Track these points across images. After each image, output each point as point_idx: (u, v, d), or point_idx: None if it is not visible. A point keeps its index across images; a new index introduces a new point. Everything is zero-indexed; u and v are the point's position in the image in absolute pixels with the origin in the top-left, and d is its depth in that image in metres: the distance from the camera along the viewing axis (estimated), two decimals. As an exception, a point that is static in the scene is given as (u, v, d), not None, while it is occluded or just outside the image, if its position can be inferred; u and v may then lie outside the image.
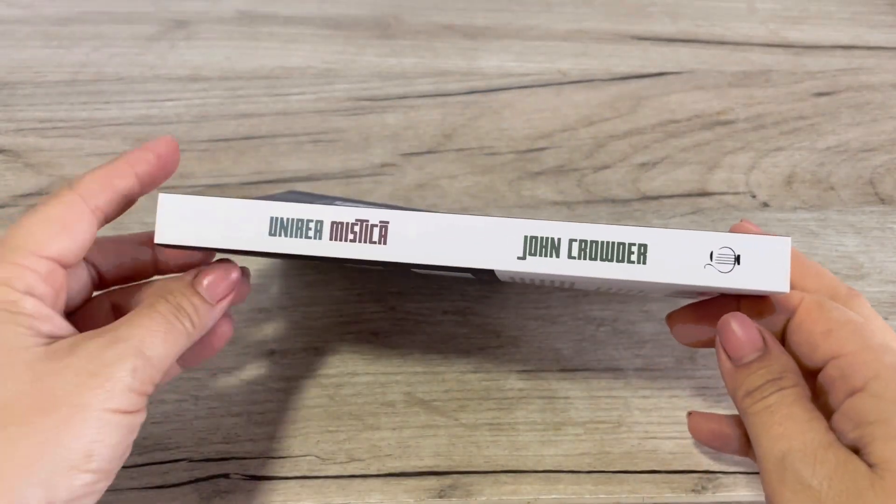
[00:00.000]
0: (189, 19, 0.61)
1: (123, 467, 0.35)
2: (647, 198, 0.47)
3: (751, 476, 0.36)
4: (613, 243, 0.26)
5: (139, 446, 0.35)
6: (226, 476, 0.35)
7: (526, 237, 0.27)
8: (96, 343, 0.25)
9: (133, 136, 0.51)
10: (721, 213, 0.46)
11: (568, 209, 0.47)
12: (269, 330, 0.40)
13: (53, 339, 0.25)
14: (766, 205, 0.46)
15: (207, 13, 0.62)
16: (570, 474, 0.35)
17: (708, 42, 0.59)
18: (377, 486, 0.34)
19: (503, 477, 0.34)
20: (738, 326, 0.26)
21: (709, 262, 0.26)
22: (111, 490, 0.34)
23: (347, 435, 0.36)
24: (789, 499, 0.23)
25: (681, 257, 0.26)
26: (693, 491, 0.36)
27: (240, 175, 0.48)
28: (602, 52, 0.58)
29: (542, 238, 0.27)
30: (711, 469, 0.36)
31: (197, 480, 0.35)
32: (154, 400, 0.37)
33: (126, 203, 0.30)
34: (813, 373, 0.27)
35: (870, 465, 0.22)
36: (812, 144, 0.50)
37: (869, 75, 0.56)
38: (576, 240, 0.27)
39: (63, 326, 0.26)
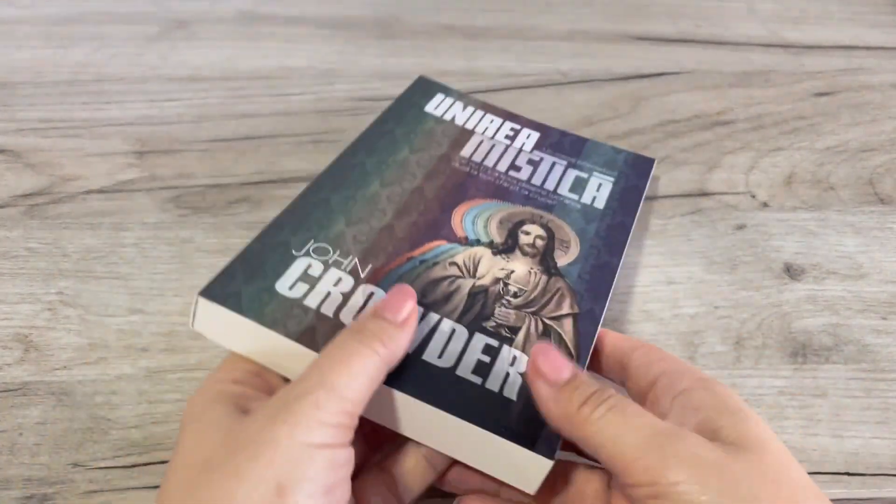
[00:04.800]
0: (189, 19, 0.61)
1: (123, 467, 0.35)
2: (647, 198, 0.47)
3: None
4: None
5: (139, 446, 0.35)
6: (226, 476, 0.35)
7: None
8: (285, 387, 0.26)
9: (134, 136, 0.51)
10: (721, 213, 0.46)
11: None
12: (270, 330, 0.40)
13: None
14: (765, 205, 0.46)
15: (208, 13, 0.62)
16: (570, 474, 0.35)
17: (708, 42, 0.59)
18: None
19: (503, 476, 0.34)
20: (547, 353, 0.28)
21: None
22: (112, 490, 0.34)
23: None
24: (672, 467, 0.24)
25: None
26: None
27: (240, 175, 0.48)
28: (602, 52, 0.58)
29: None
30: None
31: (197, 480, 0.35)
32: (154, 400, 0.37)
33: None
34: (642, 396, 0.31)
35: (726, 442, 0.25)
36: (812, 144, 0.50)
37: (868, 75, 0.56)
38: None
39: (265, 398, 0.28)
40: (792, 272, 0.43)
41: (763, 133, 0.51)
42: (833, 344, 0.39)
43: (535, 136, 0.47)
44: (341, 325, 0.31)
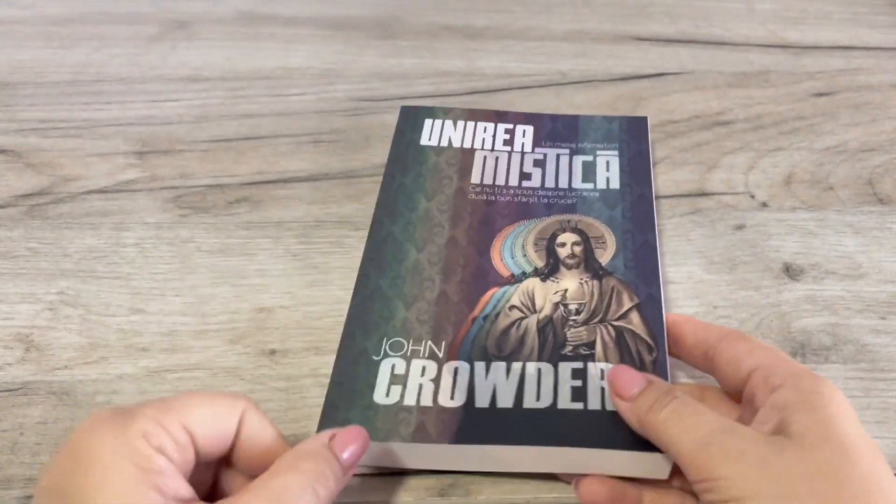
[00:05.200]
0: (190, 20, 0.61)
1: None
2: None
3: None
4: None
5: (140, 445, 0.36)
6: (227, 475, 0.35)
7: None
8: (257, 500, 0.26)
9: (134, 137, 0.51)
10: (720, 213, 0.46)
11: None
12: (270, 329, 0.40)
13: (179, 501, 0.25)
14: (764, 205, 0.46)
15: (208, 14, 0.62)
16: (569, 473, 0.35)
17: (707, 43, 0.59)
18: (377, 485, 0.34)
19: (503, 476, 0.34)
20: (621, 372, 0.32)
21: None
22: (112, 489, 0.34)
23: (348, 434, 0.36)
24: (720, 463, 0.26)
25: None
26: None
27: (241, 175, 0.48)
28: (601, 52, 0.58)
29: None
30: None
31: (198, 479, 0.35)
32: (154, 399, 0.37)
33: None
34: (736, 392, 0.32)
35: (788, 436, 0.26)
36: (811, 144, 0.50)
37: (868, 76, 0.56)
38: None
39: (187, 490, 0.26)
40: (791, 272, 0.43)
41: (762, 133, 0.51)
42: (832, 344, 0.39)
43: (530, 130, 0.47)
44: (443, 409, 0.34)
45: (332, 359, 0.36)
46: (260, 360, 0.39)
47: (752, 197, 0.47)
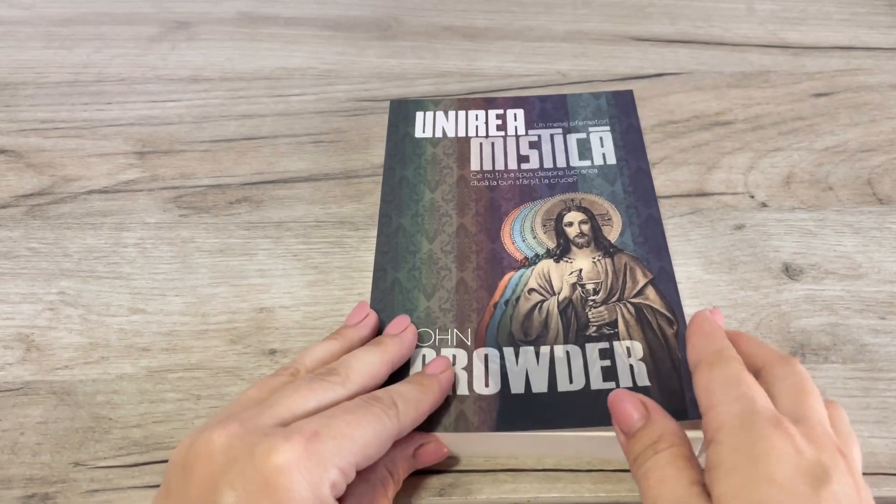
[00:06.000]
0: (190, 20, 0.61)
1: (124, 466, 0.35)
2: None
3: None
4: None
5: (140, 445, 0.36)
6: (227, 475, 0.35)
7: None
8: None
9: (135, 137, 0.51)
10: (720, 214, 0.46)
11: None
12: (270, 329, 0.40)
13: None
14: (764, 205, 0.46)
15: (208, 14, 0.62)
16: (569, 473, 0.35)
17: (707, 43, 0.59)
18: (377, 484, 0.34)
19: (503, 476, 0.34)
20: (622, 401, 0.30)
21: None
22: (112, 489, 0.34)
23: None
24: None
25: None
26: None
27: (241, 175, 0.48)
28: (601, 53, 0.58)
29: None
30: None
31: (198, 479, 0.35)
32: (155, 399, 0.37)
33: None
34: None
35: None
36: (810, 145, 0.50)
37: (867, 76, 0.56)
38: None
39: None
40: (790, 272, 0.43)
41: (762, 133, 0.51)
42: (831, 343, 0.39)
43: (520, 113, 0.48)
44: (480, 397, 0.34)
45: (332, 358, 0.36)
46: (260, 360, 0.39)
47: (752, 197, 0.47)
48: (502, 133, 0.46)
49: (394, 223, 0.42)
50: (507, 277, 0.39)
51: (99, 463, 0.35)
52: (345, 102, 0.54)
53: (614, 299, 0.38)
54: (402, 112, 0.49)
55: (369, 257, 0.41)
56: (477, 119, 0.48)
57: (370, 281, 0.39)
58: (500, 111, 0.48)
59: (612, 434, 0.32)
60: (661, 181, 0.48)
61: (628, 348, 0.35)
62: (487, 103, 0.49)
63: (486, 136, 0.46)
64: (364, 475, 0.30)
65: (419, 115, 0.48)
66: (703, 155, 0.50)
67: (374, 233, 0.42)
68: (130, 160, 0.49)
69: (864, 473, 0.34)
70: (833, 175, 0.48)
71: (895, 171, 0.49)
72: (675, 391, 0.34)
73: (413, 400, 0.32)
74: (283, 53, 0.58)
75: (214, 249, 0.44)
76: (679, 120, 0.52)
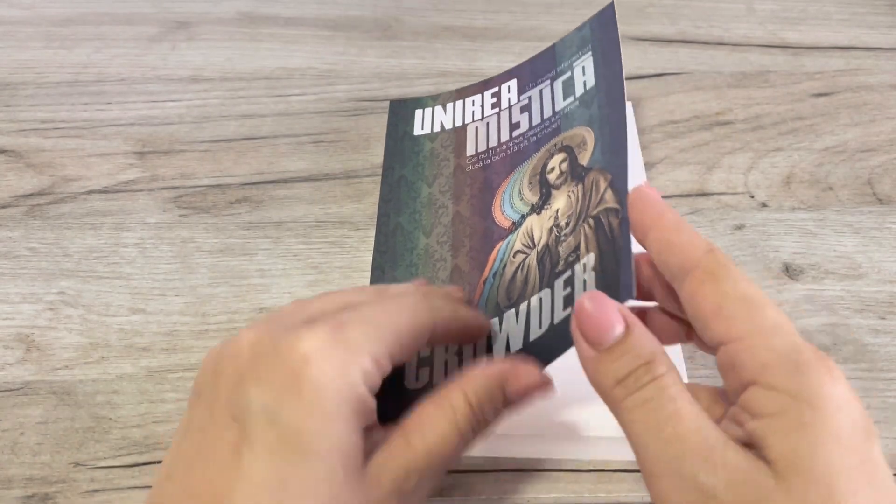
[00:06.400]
0: (190, 20, 0.61)
1: (124, 466, 0.35)
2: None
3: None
4: None
5: (140, 445, 0.36)
6: (227, 475, 0.35)
7: None
8: (395, 465, 0.25)
9: (135, 137, 0.51)
10: (720, 214, 0.46)
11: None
12: (270, 329, 0.40)
13: (366, 431, 0.25)
14: (764, 205, 0.46)
15: (208, 14, 0.62)
16: (569, 473, 0.35)
17: (707, 43, 0.59)
18: (377, 484, 0.34)
19: (503, 475, 0.34)
20: (593, 306, 0.24)
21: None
22: (112, 489, 0.34)
23: (348, 434, 0.37)
24: (683, 491, 0.21)
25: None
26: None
27: (241, 175, 0.48)
28: (601, 52, 0.58)
29: None
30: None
31: (198, 479, 0.35)
32: (155, 399, 0.37)
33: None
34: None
35: (767, 462, 0.21)
36: (810, 145, 0.50)
37: (867, 76, 0.56)
38: None
39: (372, 417, 0.26)
40: (790, 272, 0.43)
41: (762, 133, 0.51)
42: (831, 344, 0.39)
43: (514, 83, 0.45)
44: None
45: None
46: (260, 360, 0.39)
47: (752, 197, 0.47)
48: (496, 109, 0.45)
49: (392, 222, 0.42)
50: (495, 250, 0.37)
51: (99, 463, 0.35)
52: (345, 102, 0.54)
53: (581, 221, 0.33)
54: (401, 111, 0.48)
55: (369, 257, 0.41)
56: (473, 104, 0.46)
57: (369, 281, 0.39)
58: (496, 89, 0.46)
59: (611, 435, 0.31)
60: (661, 181, 0.48)
61: (585, 264, 0.31)
62: (483, 85, 0.47)
63: (482, 118, 0.45)
64: (435, 399, 0.26)
65: (418, 112, 0.48)
66: (703, 155, 0.50)
67: (374, 233, 0.42)
68: (130, 160, 0.49)
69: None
70: (833, 175, 0.48)
71: (895, 171, 0.49)
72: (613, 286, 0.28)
73: (449, 303, 0.29)
74: (283, 53, 0.58)
75: (214, 249, 0.44)
76: (679, 120, 0.52)
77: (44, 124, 0.52)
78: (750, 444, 0.22)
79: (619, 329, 0.23)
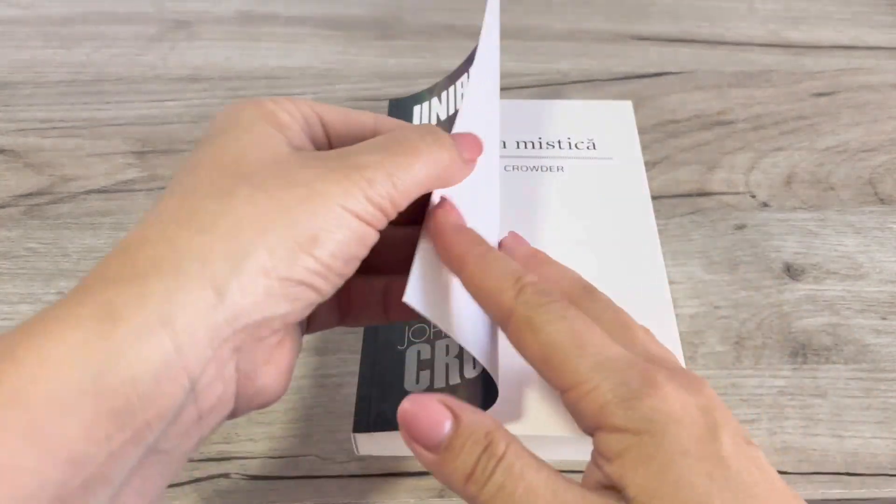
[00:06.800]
0: (189, 20, 0.61)
1: (124, 467, 0.35)
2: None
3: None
4: None
5: (140, 446, 0.35)
6: (226, 476, 0.35)
7: None
8: (345, 149, 0.26)
9: (134, 136, 0.51)
10: (721, 213, 0.46)
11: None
12: (270, 330, 0.40)
13: (298, 147, 0.27)
14: (765, 205, 0.46)
15: (208, 13, 0.62)
16: (569, 474, 0.35)
17: (708, 42, 0.59)
18: (377, 485, 0.34)
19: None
20: (414, 409, 0.23)
21: None
22: (112, 489, 0.34)
23: (347, 435, 0.36)
24: None
25: None
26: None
27: (240, 175, 0.48)
28: (602, 52, 0.58)
29: None
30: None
31: (197, 480, 0.35)
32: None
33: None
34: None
35: (628, 501, 0.21)
36: (811, 144, 0.50)
37: (868, 75, 0.56)
38: None
39: (309, 146, 0.28)
40: (792, 272, 0.43)
41: (763, 133, 0.51)
42: (833, 344, 0.39)
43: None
44: (470, 382, 0.32)
45: (331, 359, 0.36)
46: (259, 361, 0.39)
47: (753, 197, 0.47)
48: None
49: None
50: None
51: (97, 464, 0.35)
52: (345, 102, 0.54)
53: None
54: (400, 110, 0.48)
55: (369, 257, 0.41)
56: (462, 86, 0.46)
57: None
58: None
59: None
60: (662, 181, 0.48)
61: None
62: (468, 63, 0.46)
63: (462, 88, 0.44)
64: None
65: (416, 109, 0.48)
66: (703, 154, 0.50)
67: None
68: (129, 160, 0.49)
69: (864, 474, 0.34)
70: (834, 175, 0.48)
71: (897, 170, 0.49)
72: None
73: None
74: (282, 52, 0.58)
75: (214, 249, 0.44)
76: (680, 119, 0.52)
77: (42, 124, 0.52)
78: (611, 486, 0.22)
79: (447, 423, 0.22)
